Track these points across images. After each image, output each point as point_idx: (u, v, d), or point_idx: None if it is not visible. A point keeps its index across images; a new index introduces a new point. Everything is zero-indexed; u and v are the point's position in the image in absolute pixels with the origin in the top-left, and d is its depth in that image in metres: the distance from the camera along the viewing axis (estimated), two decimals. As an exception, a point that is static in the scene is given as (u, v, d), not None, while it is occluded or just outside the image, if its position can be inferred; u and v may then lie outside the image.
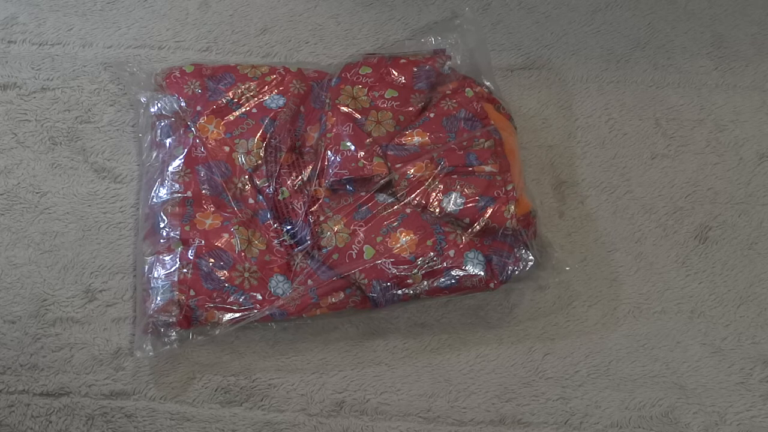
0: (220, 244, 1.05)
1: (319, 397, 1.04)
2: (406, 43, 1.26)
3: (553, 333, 1.09)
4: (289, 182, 1.10)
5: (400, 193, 1.08)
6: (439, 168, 1.08)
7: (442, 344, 1.08)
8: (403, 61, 1.18)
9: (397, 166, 1.09)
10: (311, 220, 1.07)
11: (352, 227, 1.06)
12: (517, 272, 1.06)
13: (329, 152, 1.10)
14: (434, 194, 1.07)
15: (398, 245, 1.04)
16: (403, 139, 1.12)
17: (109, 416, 1.02)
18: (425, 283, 1.04)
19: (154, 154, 1.13)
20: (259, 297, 1.03)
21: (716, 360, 1.09)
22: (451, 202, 1.07)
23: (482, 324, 1.10)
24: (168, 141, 1.13)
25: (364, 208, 1.07)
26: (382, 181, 1.08)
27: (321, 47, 1.28)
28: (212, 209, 1.07)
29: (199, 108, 1.14)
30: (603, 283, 1.13)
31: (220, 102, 1.15)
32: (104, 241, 1.12)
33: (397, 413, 1.04)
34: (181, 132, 1.13)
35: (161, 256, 1.04)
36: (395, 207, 1.07)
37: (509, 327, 1.09)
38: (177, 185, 1.08)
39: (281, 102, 1.15)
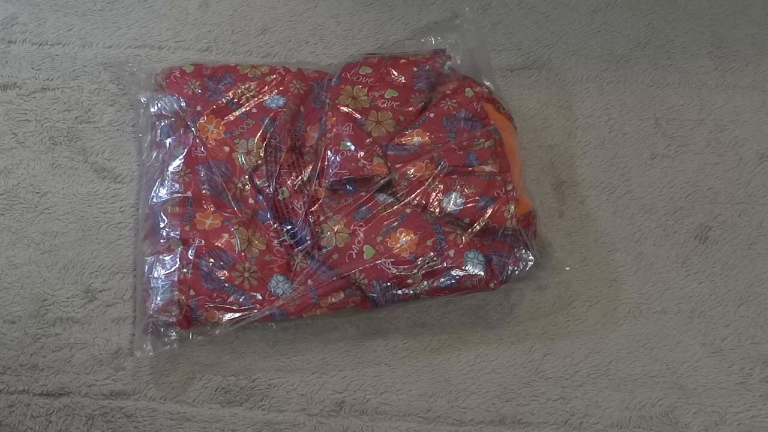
0: (220, 244, 1.05)
1: (319, 397, 1.04)
2: (406, 43, 1.27)
3: (553, 333, 1.09)
4: (289, 182, 1.10)
5: (400, 193, 1.08)
6: (439, 168, 1.08)
7: (442, 344, 1.08)
8: (403, 61, 1.18)
9: (397, 166, 1.09)
10: (311, 220, 1.07)
11: (352, 227, 1.06)
12: (517, 272, 1.06)
13: (329, 152, 1.10)
14: (434, 194, 1.07)
15: (398, 245, 1.04)
16: (403, 139, 1.12)
17: (109, 416, 1.02)
18: (425, 283, 1.04)
19: (154, 154, 1.13)
20: (259, 297, 1.03)
21: (716, 360, 1.09)
22: (451, 202, 1.07)
23: (482, 324, 1.10)
24: (168, 141, 1.13)
25: (364, 208, 1.07)
26: (382, 181, 1.08)
27: (321, 47, 1.28)
28: (212, 209, 1.07)
29: (199, 108, 1.14)
30: (603, 283, 1.13)
31: (220, 102, 1.15)
32: (104, 241, 1.12)
33: (397, 413, 1.04)
34: (181, 132, 1.13)
35: (161, 256, 1.04)
36: (395, 207, 1.07)
37: (509, 327, 1.09)
38: (177, 185, 1.08)
39: (281, 102, 1.15)
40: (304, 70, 1.20)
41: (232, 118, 1.14)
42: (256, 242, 1.07)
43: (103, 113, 1.20)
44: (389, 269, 1.03)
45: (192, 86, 1.16)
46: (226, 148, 1.12)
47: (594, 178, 1.20)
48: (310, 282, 1.05)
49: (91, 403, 1.03)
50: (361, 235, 1.05)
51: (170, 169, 1.10)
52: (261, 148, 1.12)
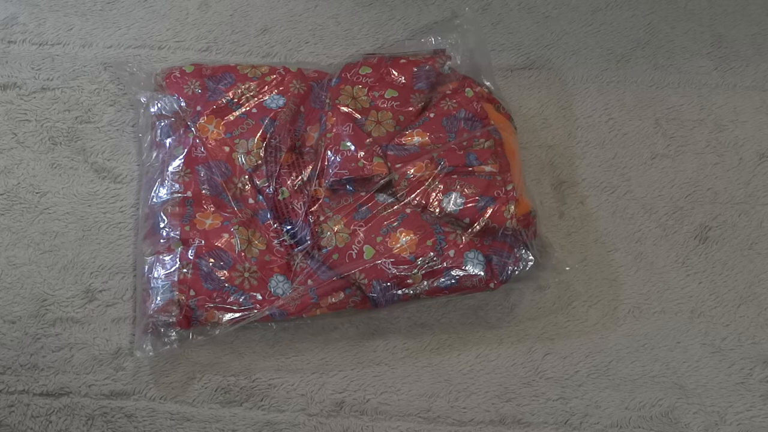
0: (220, 244, 1.05)
1: (319, 397, 1.04)
2: (406, 43, 1.27)
3: (553, 333, 1.09)
4: (289, 182, 1.10)
5: (400, 193, 1.08)
6: (439, 168, 1.08)
7: (442, 344, 1.08)
8: (403, 61, 1.18)
9: (397, 166, 1.09)
10: (311, 220, 1.07)
11: (352, 227, 1.06)
12: (517, 272, 1.06)
13: (329, 152, 1.10)
14: (434, 194, 1.07)
15: (398, 245, 1.04)
16: (403, 139, 1.12)
17: (109, 416, 1.02)
18: (425, 283, 1.04)
19: (154, 154, 1.13)
20: (259, 297, 1.03)
21: (716, 360, 1.09)
22: (451, 202, 1.07)
23: (482, 324, 1.10)
24: (168, 141, 1.13)
25: (364, 208, 1.07)
26: (382, 181, 1.08)
27: (321, 47, 1.28)
28: (212, 209, 1.07)
29: (199, 108, 1.14)
30: (603, 283, 1.13)
31: (220, 102, 1.15)
32: (104, 241, 1.12)
33: (397, 413, 1.04)
34: (181, 132, 1.13)
35: (161, 256, 1.04)
36: (395, 207, 1.07)
37: (509, 327, 1.10)
38: (177, 185, 1.08)
39: (281, 102, 1.15)
40: (304, 70, 1.20)
41: (232, 118, 1.14)
42: (256, 242, 1.07)
43: (103, 113, 1.20)
44: (389, 269, 1.03)
45: (192, 86, 1.16)
46: (226, 148, 1.12)
47: (594, 178, 1.20)
48: (310, 282, 1.05)
49: (91, 403, 1.03)
50: (361, 235, 1.05)
51: (170, 169, 1.10)
52: (261, 148, 1.11)
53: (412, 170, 1.09)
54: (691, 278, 1.14)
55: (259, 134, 1.12)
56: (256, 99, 1.16)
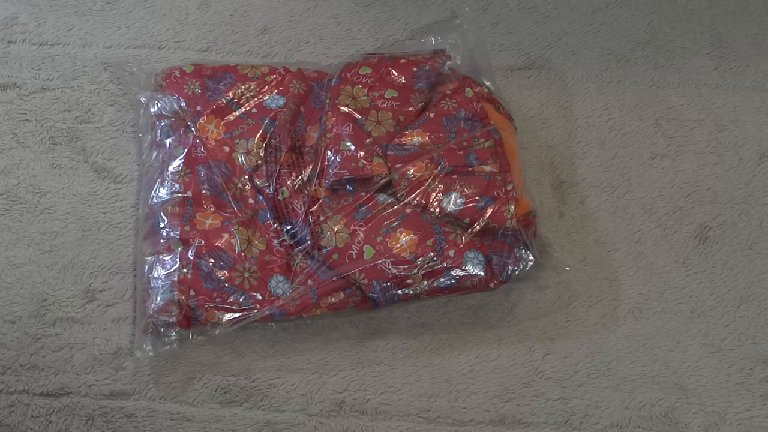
0: (220, 244, 1.05)
1: (319, 397, 1.04)
2: (406, 43, 1.27)
3: (553, 333, 1.09)
4: (289, 182, 1.10)
5: (400, 193, 1.08)
6: (439, 168, 1.08)
7: (442, 344, 1.08)
8: (403, 61, 1.18)
9: (397, 166, 1.09)
10: (311, 220, 1.07)
11: (352, 227, 1.06)
12: (517, 272, 1.06)
13: (329, 152, 1.10)
14: (434, 194, 1.07)
15: (398, 245, 1.04)
16: (403, 139, 1.12)
17: (109, 416, 1.02)
18: (425, 283, 1.04)
19: (154, 154, 1.13)
20: (259, 297, 1.03)
21: (716, 360, 1.09)
22: (451, 202, 1.07)
23: (482, 324, 1.10)
24: (168, 141, 1.13)
25: (364, 208, 1.07)
26: (382, 181, 1.08)
27: (321, 47, 1.28)
28: (212, 209, 1.07)
29: (199, 108, 1.14)
30: (603, 283, 1.13)
31: (220, 102, 1.15)
32: (104, 241, 1.12)
33: (397, 413, 1.04)
34: (181, 132, 1.13)
35: (161, 256, 1.04)
36: (395, 207, 1.07)
37: (509, 327, 1.10)
38: (177, 185, 1.08)
39: (281, 102, 1.15)
40: (304, 70, 1.20)
41: (232, 118, 1.14)
42: (256, 242, 1.07)
43: (103, 113, 1.20)
44: (389, 269, 1.03)
45: (192, 86, 1.16)
46: (226, 148, 1.12)
47: (594, 178, 1.20)
48: (310, 282, 1.05)
49: (91, 403, 1.03)
50: (361, 235, 1.05)
51: (170, 169, 1.10)
52: (261, 148, 1.12)
53: (412, 170, 1.09)
54: (691, 278, 1.14)
55: (259, 134, 1.12)
56: (256, 99, 1.16)
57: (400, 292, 1.04)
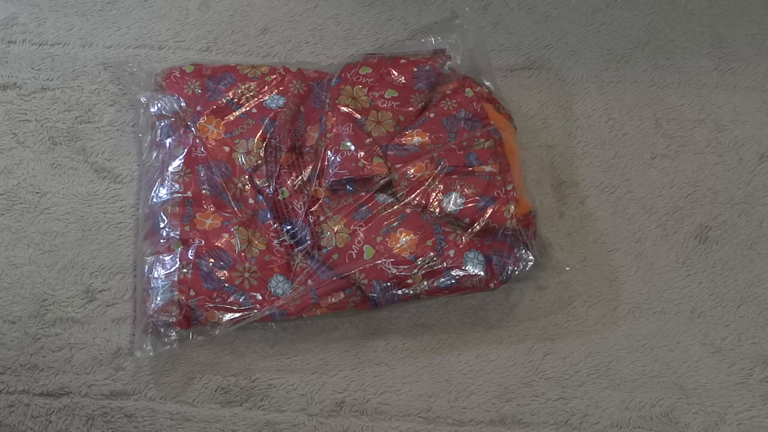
0: (220, 244, 1.05)
1: (319, 397, 1.04)
2: (406, 43, 1.26)
3: (553, 333, 1.09)
4: (289, 182, 1.10)
5: (400, 193, 1.08)
6: (439, 168, 1.08)
7: (442, 344, 1.08)
8: (403, 61, 1.18)
9: (397, 166, 1.09)
10: (311, 220, 1.07)
11: (352, 227, 1.06)
12: (517, 272, 1.06)
13: (329, 152, 1.10)
14: (434, 194, 1.07)
15: (398, 245, 1.04)
16: (403, 139, 1.12)
17: (109, 416, 1.02)
18: (425, 283, 1.04)
19: (154, 154, 1.13)
20: (259, 297, 1.03)
21: (716, 360, 1.09)
22: (451, 202, 1.07)
23: (482, 324, 1.10)
24: (168, 141, 1.13)
25: (364, 208, 1.07)
26: (382, 181, 1.08)
27: (321, 47, 1.28)
28: (212, 209, 1.07)
29: (199, 108, 1.14)
30: (603, 283, 1.13)
31: (220, 102, 1.15)
32: (104, 241, 1.12)
33: (397, 413, 1.04)
34: (181, 132, 1.13)
35: (161, 256, 1.04)
36: (395, 207, 1.07)
37: (509, 327, 1.10)
38: (177, 185, 1.08)
39: (281, 102, 1.15)
40: (304, 70, 1.20)
41: (232, 118, 1.14)
42: (256, 242, 1.07)
43: (103, 113, 1.20)
44: (389, 269, 1.03)
45: (192, 86, 1.16)
46: (226, 148, 1.12)
47: (594, 178, 1.20)
48: (310, 282, 1.05)
49: (91, 403, 1.03)
50: (361, 235, 1.05)
51: (170, 169, 1.10)
52: (261, 148, 1.11)
53: (412, 170, 1.09)
54: (691, 278, 1.14)
55: (259, 134, 1.12)
56: (256, 99, 1.16)
57: (400, 292, 1.04)
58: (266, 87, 1.17)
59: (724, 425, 1.05)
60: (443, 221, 1.07)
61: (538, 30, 1.31)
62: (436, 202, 1.07)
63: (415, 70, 1.17)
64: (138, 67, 1.20)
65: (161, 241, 1.05)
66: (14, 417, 1.02)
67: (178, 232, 1.05)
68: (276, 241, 1.07)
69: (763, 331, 1.11)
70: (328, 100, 1.15)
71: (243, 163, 1.11)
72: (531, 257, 1.07)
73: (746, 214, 1.18)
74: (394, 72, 1.17)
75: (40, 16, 1.27)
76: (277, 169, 1.11)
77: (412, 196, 1.07)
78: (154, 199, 1.08)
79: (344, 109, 1.13)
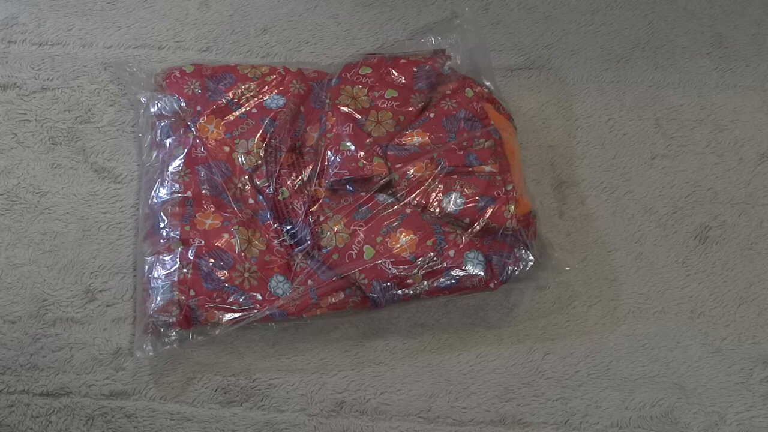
0: (220, 244, 1.05)
1: (319, 397, 1.04)
2: (406, 43, 1.27)
3: (553, 333, 1.09)
4: (289, 182, 1.10)
5: (400, 193, 1.08)
6: (439, 168, 1.08)
7: (442, 344, 1.08)
8: (403, 61, 1.18)
9: (397, 166, 1.09)
10: (311, 220, 1.07)
11: (352, 227, 1.06)
12: (517, 272, 1.06)
13: (329, 152, 1.10)
14: (434, 194, 1.07)
15: (398, 245, 1.04)
16: (403, 139, 1.12)
17: (109, 416, 1.02)
18: (425, 283, 1.04)
19: (154, 154, 1.13)
20: (259, 297, 1.03)
21: (716, 360, 1.09)
22: (451, 202, 1.07)
23: (482, 324, 1.10)
24: (168, 141, 1.13)
25: (364, 208, 1.07)
26: (382, 181, 1.08)
27: (321, 47, 1.28)
28: (212, 209, 1.07)
29: (199, 108, 1.14)
30: (603, 283, 1.13)
31: (220, 102, 1.15)
32: (104, 241, 1.12)
33: (397, 413, 1.04)
34: (181, 132, 1.13)
35: (161, 256, 1.04)
36: (395, 207, 1.07)
37: (509, 327, 1.10)
38: (177, 185, 1.08)
39: (281, 102, 1.15)
40: (304, 70, 1.20)
41: (232, 118, 1.14)
42: (256, 242, 1.07)
43: (103, 113, 1.20)
44: (389, 269, 1.03)
45: (192, 86, 1.16)
46: (226, 148, 1.12)
47: (594, 178, 1.20)
48: (310, 282, 1.05)
49: (91, 403, 1.03)
50: (361, 235, 1.05)
51: (170, 169, 1.10)
52: (261, 148, 1.12)
53: (412, 170, 1.09)
54: (691, 278, 1.14)
55: (259, 134, 1.12)
56: (256, 99, 1.16)
57: (400, 292, 1.04)
58: (266, 87, 1.17)
59: (724, 425, 1.05)
60: (443, 221, 1.07)
61: (538, 30, 1.31)
62: (436, 202, 1.07)
63: (415, 70, 1.17)
64: (138, 67, 1.20)
65: (161, 241, 1.05)
66: (14, 417, 1.02)
67: (178, 232, 1.05)
68: (276, 241, 1.07)
69: (763, 331, 1.11)
70: (328, 100, 1.15)
71: (243, 163, 1.11)
72: (531, 257, 1.07)
73: (746, 214, 1.18)
74: (394, 72, 1.17)
75: (40, 16, 1.27)
76: (277, 169, 1.11)
77: (412, 196, 1.07)
78: (154, 199, 1.08)
79: (344, 109, 1.13)
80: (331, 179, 1.08)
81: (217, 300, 1.02)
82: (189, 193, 1.08)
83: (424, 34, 1.25)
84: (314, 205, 1.08)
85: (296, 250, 1.07)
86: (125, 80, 1.20)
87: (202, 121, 1.13)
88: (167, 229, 1.06)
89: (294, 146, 1.13)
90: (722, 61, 1.30)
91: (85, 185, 1.15)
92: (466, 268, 1.04)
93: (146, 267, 1.05)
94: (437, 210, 1.07)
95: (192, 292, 1.02)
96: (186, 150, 1.11)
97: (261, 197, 1.10)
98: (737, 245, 1.16)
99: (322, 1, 1.32)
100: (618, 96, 1.26)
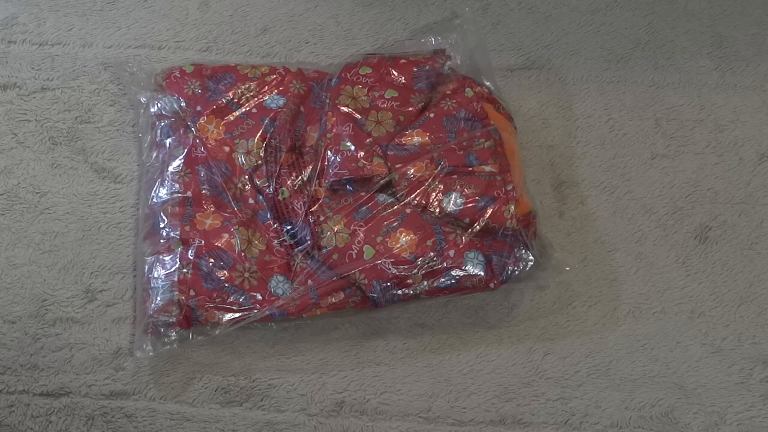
0: (220, 244, 1.05)
1: (319, 397, 1.04)
2: (406, 43, 1.27)
3: (553, 333, 1.09)
4: (289, 182, 1.10)
5: (400, 193, 1.08)
6: (439, 168, 1.08)
7: (442, 344, 1.08)
8: (403, 61, 1.18)
9: (397, 166, 1.09)
10: (311, 220, 1.07)
11: (352, 227, 1.06)
12: (517, 272, 1.06)
13: (329, 152, 1.10)
14: (434, 194, 1.07)
15: (398, 245, 1.04)
16: (403, 139, 1.12)
17: (109, 416, 1.02)
18: (425, 283, 1.04)
19: (154, 154, 1.13)
20: (259, 297, 1.03)
21: (716, 360, 1.09)
22: (451, 202, 1.07)
23: (482, 324, 1.10)
24: (168, 141, 1.13)
25: (364, 208, 1.07)
26: (382, 181, 1.08)
27: (321, 47, 1.28)
28: (212, 209, 1.07)
29: (199, 108, 1.14)
30: (603, 283, 1.13)
31: (220, 102, 1.15)
32: (104, 241, 1.12)
33: (397, 413, 1.04)
34: (181, 132, 1.13)
35: (161, 256, 1.04)
36: (395, 207, 1.07)
37: (509, 327, 1.10)
38: (177, 185, 1.08)
39: (281, 102, 1.15)
40: (304, 70, 1.20)
41: (232, 118, 1.14)
42: (256, 242, 1.07)
43: (103, 113, 1.20)
44: (389, 269, 1.03)
45: (192, 86, 1.16)
46: (226, 148, 1.12)
47: (594, 178, 1.20)
48: (310, 282, 1.05)
49: (91, 403, 1.03)
50: (361, 235, 1.05)
51: (170, 169, 1.10)
52: (261, 148, 1.12)
53: (412, 170, 1.09)
54: (691, 278, 1.14)
55: (259, 134, 1.12)
56: (256, 99, 1.16)
57: (400, 292, 1.04)
58: (266, 87, 1.17)
59: (724, 425, 1.05)
60: (443, 221, 1.07)
61: (538, 30, 1.31)
62: (436, 202, 1.07)
63: (415, 70, 1.17)
64: (138, 67, 1.20)
65: (161, 241, 1.05)
66: (14, 417, 1.02)
67: (178, 232, 1.05)
68: (276, 241, 1.07)
69: (763, 331, 1.11)
70: (328, 100, 1.15)
71: (243, 163, 1.11)
72: (531, 257, 1.07)
73: (746, 214, 1.18)
74: (394, 72, 1.17)
75: (40, 16, 1.27)
76: (277, 169, 1.11)
77: (412, 196, 1.07)
78: (154, 199, 1.08)
79: (344, 109, 1.13)
80: (331, 179, 1.08)
81: (217, 300, 1.02)
82: (189, 193, 1.08)
83: (424, 34, 1.25)
84: (314, 205, 1.08)
85: (296, 250, 1.07)
86: (125, 80, 1.20)
87: (202, 121, 1.13)
88: (167, 229, 1.06)
89: (294, 146, 1.13)
90: (722, 61, 1.30)
91: (85, 185, 1.15)
92: (466, 268, 1.04)
93: (146, 267, 1.05)
94: (437, 210, 1.07)
95: (192, 292, 1.02)
96: (186, 150, 1.11)
97: (261, 197, 1.10)
98: (737, 245, 1.16)
99: (322, 1, 1.32)
100: (618, 96, 1.26)
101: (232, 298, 1.02)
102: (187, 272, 1.03)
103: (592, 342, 1.09)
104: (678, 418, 1.05)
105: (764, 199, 1.20)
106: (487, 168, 1.09)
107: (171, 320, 1.01)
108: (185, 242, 1.05)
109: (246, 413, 1.03)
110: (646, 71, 1.28)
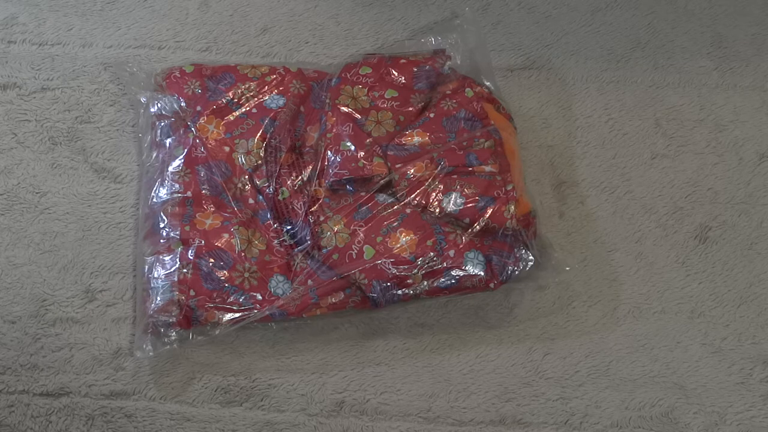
0: (220, 244, 1.05)
1: (319, 397, 1.04)
2: (406, 43, 1.27)
3: (553, 333, 1.09)
4: (289, 182, 1.10)
5: (400, 193, 1.08)
6: (439, 168, 1.08)
7: (442, 344, 1.08)
8: (403, 61, 1.18)
9: (397, 166, 1.09)
10: (311, 220, 1.07)
11: (352, 227, 1.06)
12: (517, 272, 1.06)
13: (329, 152, 1.10)
14: (434, 194, 1.07)
15: (398, 245, 1.04)
16: (403, 139, 1.12)
17: (109, 416, 1.02)
18: (425, 283, 1.04)
19: (154, 154, 1.13)
20: (259, 297, 1.03)
21: (716, 360, 1.09)
22: (451, 202, 1.07)
23: (482, 324, 1.10)
24: (168, 141, 1.13)
25: (364, 208, 1.07)
26: (382, 181, 1.08)
27: (321, 47, 1.28)
28: (212, 209, 1.08)
29: (199, 108, 1.14)
30: (603, 283, 1.13)
31: (220, 102, 1.15)
32: (104, 241, 1.12)
33: (397, 413, 1.04)
34: (181, 132, 1.13)
35: (161, 256, 1.04)
36: (395, 207, 1.07)
37: (509, 327, 1.10)
38: (177, 185, 1.08)
39: (281, 102, 1.15)
40: (304, 70, 1.20)
41: (232, 118, 1.14)
42: (256, 242, 1.07)
43: (103, 113, 1.20)
44: (389, 269, 1.03)
45: (192, 86, 1.16)
46: (226, 148, 1.12)
47: (594, 178, 1.20)
48: (310, 282, 1.05)
49: (91, 403, 1.03)
50: (361, 235, 1.05)
51: (170, 169, 1.10)
52: (261, 148, 1.12)
53: (412, 170, 1.09)
54: (691, 278, 1.14)
55: (259, 134, 1.12)
56: (256, 99, 1.16)
57: (400, 292, 1.04)
58: (266, 87, 1.17)
59: (724, 425, 1.05)
60: (443, 221, 1.07)
61: (538, 30, 1.31)
62: (436, 202, 1.07)
63: (415, 70, 1.17)
64: (138, 67, 1.20)
65: (161, 241, 1.05)
66: (14, 417, 1.02)
67: (178, 232, 1.05)
68: (276, 241, 1.07)
69: (763, 331, 1.11)
70: (328, 100, 1.15)
71: (243, 163, 1.11)
72: (531, 257, 1.07)
73: (746, 214, 1.18)
74: (394, 72, 1.17)
75: (40, 16, 1.27)
76: (277, 169, 1.11)
77: (412, 196, 1.07)
78: (154, 199, 1.08)
79: (344, 109, 1.13)
80: (331, 179, 1.08)
81: (217, 300, 1.02)
82: (189, 193, 1.08)
83: (424, 34, 1.25)
84: (314, 205, 1.08)
85: (296, 250, 1.07)
86: (125, 80, 1.20)
87: (202, 121, 1.13)
88: (167, 229, 1.06)
89: (294, 146, 1.13)
90: (722, 61, 1.30)
91: (85, 185, 1.15)
92: (466, 268, 1.04)
93: (146, 267, 1.05)
94: (437, 210, 1.07)
95: (192, 292, 1.02)
96: (186, 150, 1.11)
97: (261, 197, 1.10)
98: (737, 245, 1.16)
99: (322, 1, 1.32)
100: (618, 96, 1.26)
101: (232, 298, 1.02)
102: (187, 272, 1.03)
103: (592, 342, 1.09)
104: (678, 418, 1.05)
105: (764, 199, 1.20)
106: (487, 168, 1.09)
107: (171, 320, 1.01)
108: (185, 242, 1.05)
109: (246, 413, 1.03)
110: (646, 71, 1.28)
